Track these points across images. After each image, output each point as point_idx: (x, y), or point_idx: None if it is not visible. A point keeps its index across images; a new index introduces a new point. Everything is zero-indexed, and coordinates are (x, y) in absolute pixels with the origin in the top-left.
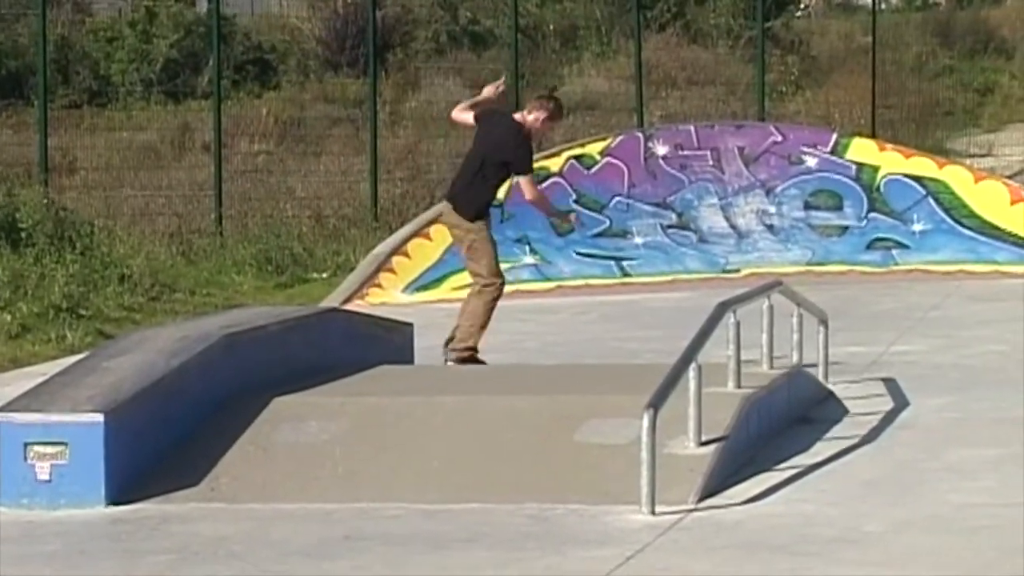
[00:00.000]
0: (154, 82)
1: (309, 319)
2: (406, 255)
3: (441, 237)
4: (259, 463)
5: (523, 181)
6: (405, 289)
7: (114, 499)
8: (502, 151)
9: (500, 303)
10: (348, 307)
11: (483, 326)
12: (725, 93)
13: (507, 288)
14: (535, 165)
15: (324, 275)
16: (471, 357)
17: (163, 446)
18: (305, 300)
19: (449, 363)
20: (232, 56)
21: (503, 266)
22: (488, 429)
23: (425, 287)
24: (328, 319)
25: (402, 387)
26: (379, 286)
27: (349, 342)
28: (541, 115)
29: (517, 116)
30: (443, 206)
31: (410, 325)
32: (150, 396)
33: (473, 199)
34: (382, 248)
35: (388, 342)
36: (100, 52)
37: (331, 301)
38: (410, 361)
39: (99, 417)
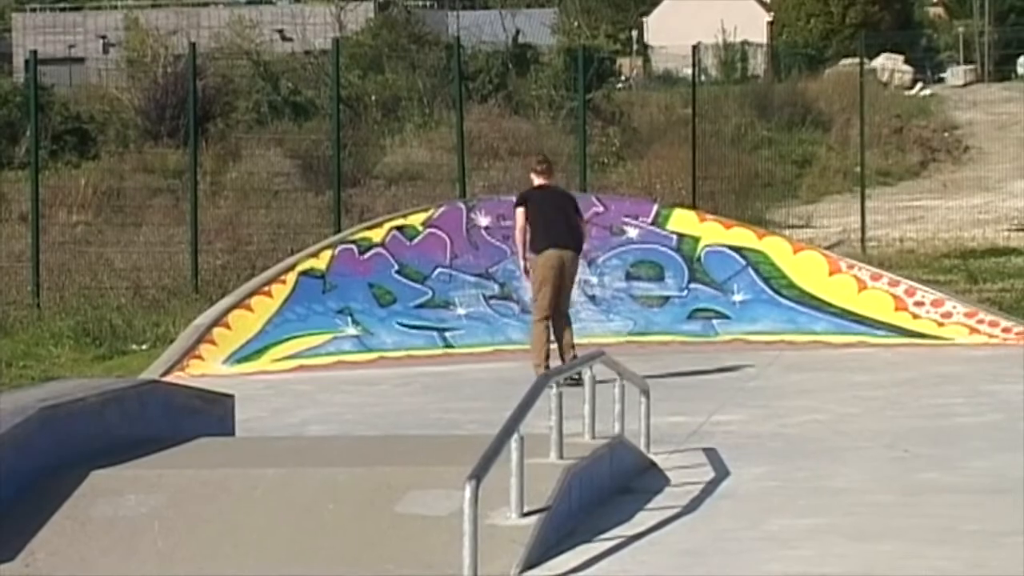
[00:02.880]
0: None
1: (128, 391)
2: (227, 326)
3: (263, 308)
4: (76, 538)
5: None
6: (226, 361)
7: None
8: (571, 203)
9: (321, 374)
10: (168, 379)
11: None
12: None
13: (328, 359)
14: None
15: (143, 347)
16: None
17: None
18: (124, 372)
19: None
20: (50, 126)
21: (325, 336)
22: (308, 501)
23: (246, 359)
24: (147, 391)
25: (221, 459)
26: (199, 358)
27: (168, 414)
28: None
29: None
30: (564, 253)
31: (231, 397)
32: None
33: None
34: (202, 319)
35: (208, 414)
36: None
37: (150, 373)
38: (231, 433)
39: None
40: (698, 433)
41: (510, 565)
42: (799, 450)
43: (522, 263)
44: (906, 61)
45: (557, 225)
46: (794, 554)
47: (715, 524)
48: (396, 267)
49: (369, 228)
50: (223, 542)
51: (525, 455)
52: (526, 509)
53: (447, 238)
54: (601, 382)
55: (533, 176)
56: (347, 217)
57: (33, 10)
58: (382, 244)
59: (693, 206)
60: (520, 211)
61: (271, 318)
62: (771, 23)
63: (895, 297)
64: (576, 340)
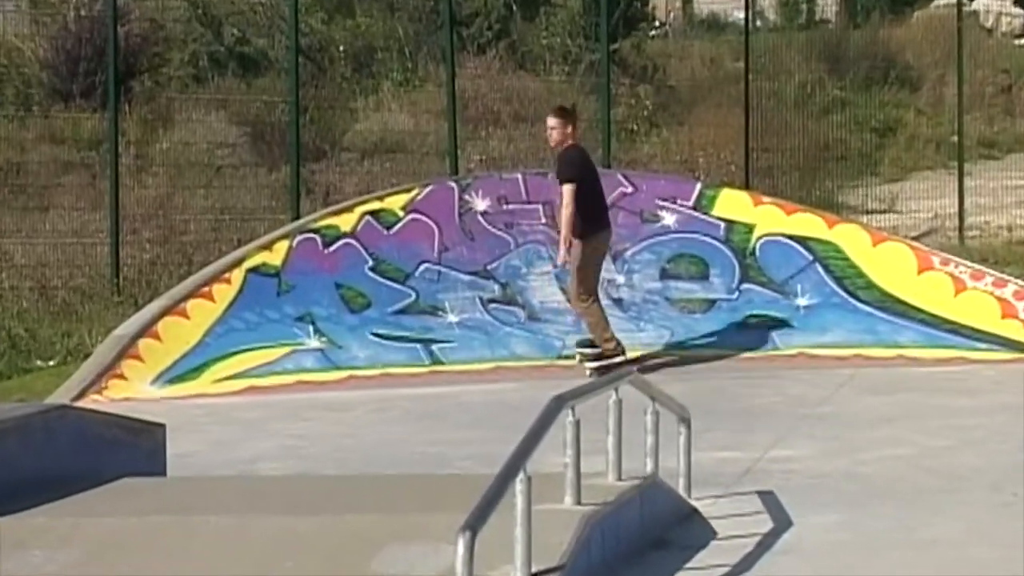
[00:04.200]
0: None
1: (32, 420)
2: (156, 338)
3: (202, 315)
4: None
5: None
6: (155, 381)
7: None
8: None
9: (276, 398)
10: (82, 404)
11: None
12: None
13: (284, 379)
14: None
15: (51, 363)
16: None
17: None
18: (27, 395)
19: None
20: None
21: (281, 350)
22: (261, 557)
23: (180, 378)
24: (56, 419)
25: (151, 504)
26: (122, 377)
27: (83, 448)
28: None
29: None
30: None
31: (162, 427)
32: None
33: None
34: (125, 329)
35: (133, 448)
36: None
37: (60, 396)
38: (162, 472)
39: None
40: (752, 472)
41: None
42: (879, 493)
43: (563, 252)
44: (1016, 2)
45: (605, 201)
46: None
47: None
48: (370, 262)
49: (336, 213)
50: None
51: (533, 500)
52: (535, 568)
53: (435, 226)
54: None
55: (570, 130)
56: (308, 199)
57: None
58: (352, 234)
59: (746, 185)
60: (571, 188)
61: (212, 327)
62: None
63: (1001, 301)
64: None
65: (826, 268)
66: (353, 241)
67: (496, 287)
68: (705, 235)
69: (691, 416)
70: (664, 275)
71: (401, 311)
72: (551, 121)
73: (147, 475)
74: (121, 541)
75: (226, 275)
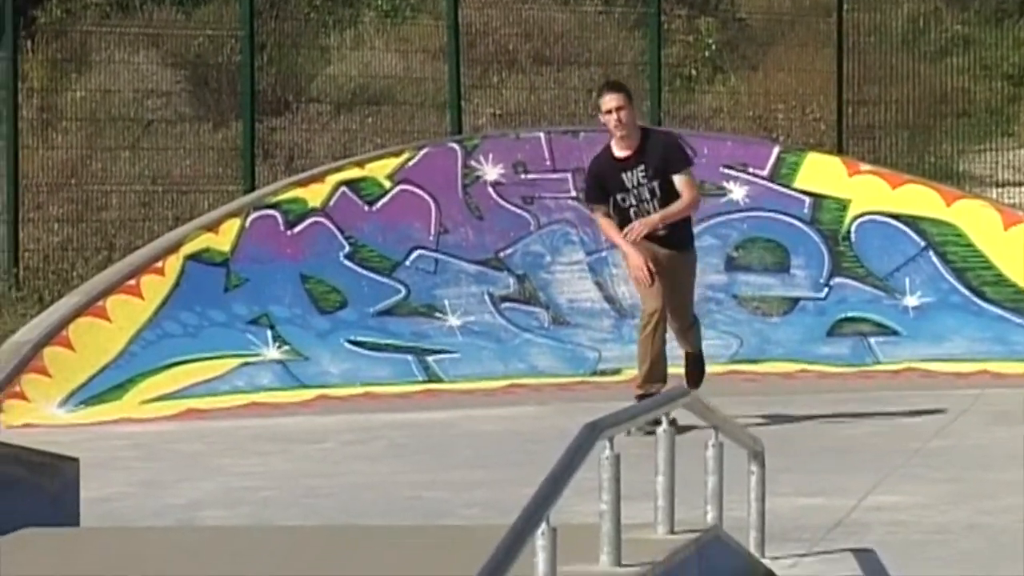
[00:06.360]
0: None
1: None
2: (67, 345)
3: (127, 316)
4: None
5: None
6: (65, 402)
7: None
8: None
9: (223, 424)
10: None
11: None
12: (599, 77)
13: (234, 400)
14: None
15: None
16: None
17: None
18: None
19: None
20: None
21: (230, 363)
22: None
23: (98, 399)
24: None
25: (58, 565)
26: (22, 396)
27: None
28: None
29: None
30: None
31: (74, 462)
32: None
33: None
34: (27, 334)
35: (35, 490)
36: None
37: None
38: (74, 521)
39: None
40: (845, 524)
41: None
42: (1012, 552)
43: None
44: None
45: None
46: None
47: None
48: (347, 248)
49: (302, 183)
50: None
51: (559, 559)
52: None
53: (431, 200)
54: (689, 428)
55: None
56: (266, 164)
57: None
58: (323, 210)
59: (839, 149)
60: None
61: (140, 332)
62: None
63: None
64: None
65: (943, 257)
66: (324, 220)
67: (511, 281)
68: (785, 213)
69: (766, 450)
70: (731, 266)
71: (387, 312)
72: (615, 100)
73: (54, 525)
74: None
75: (158, 264)
